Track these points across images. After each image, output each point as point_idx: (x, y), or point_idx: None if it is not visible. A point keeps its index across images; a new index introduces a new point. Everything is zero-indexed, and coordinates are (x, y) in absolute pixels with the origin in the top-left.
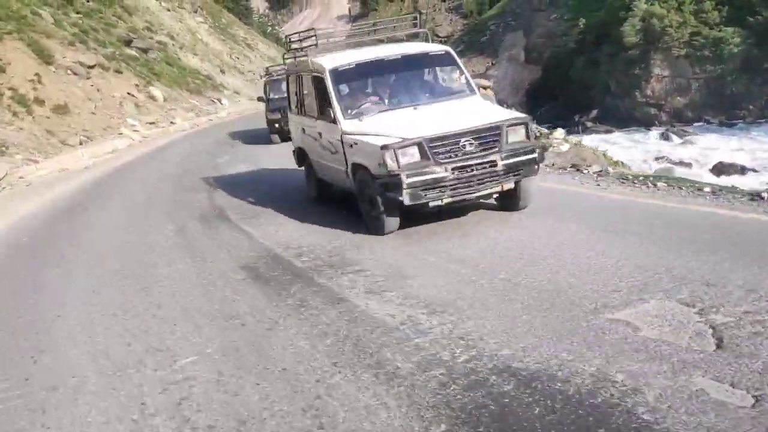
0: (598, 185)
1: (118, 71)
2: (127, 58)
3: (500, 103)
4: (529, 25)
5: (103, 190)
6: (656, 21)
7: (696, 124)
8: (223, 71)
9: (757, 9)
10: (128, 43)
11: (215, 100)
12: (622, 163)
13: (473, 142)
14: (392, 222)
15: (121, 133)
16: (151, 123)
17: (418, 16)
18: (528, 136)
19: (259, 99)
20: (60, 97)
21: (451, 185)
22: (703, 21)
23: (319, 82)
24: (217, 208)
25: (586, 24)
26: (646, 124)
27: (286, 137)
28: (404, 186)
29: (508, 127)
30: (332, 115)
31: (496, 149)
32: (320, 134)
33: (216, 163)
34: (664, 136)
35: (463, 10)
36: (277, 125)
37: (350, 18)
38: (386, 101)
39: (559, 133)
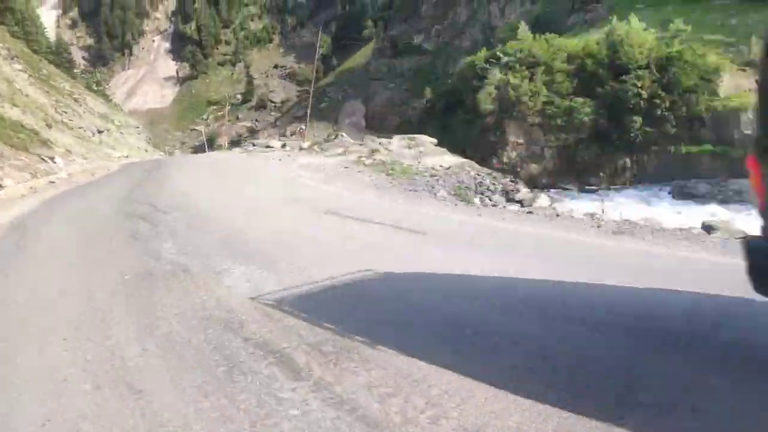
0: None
1: None
2: None
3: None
4: (367, 94)
5: None
6: (511, 90)
7: (552, 190)
8: (49, 126)
9: (605, 81)
10: None
11: (47, 159)
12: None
13: None
14: None
15: None
16: None
17: None
18: None
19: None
20: None
21: None
22: (555, 91)
23: None
24: None
25: (433, 92)
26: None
27: None
28: None
29: None
30: None
31: None
32: None
33: None
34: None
35: (298, 77)
36: None
37: (178, 80)
38: None
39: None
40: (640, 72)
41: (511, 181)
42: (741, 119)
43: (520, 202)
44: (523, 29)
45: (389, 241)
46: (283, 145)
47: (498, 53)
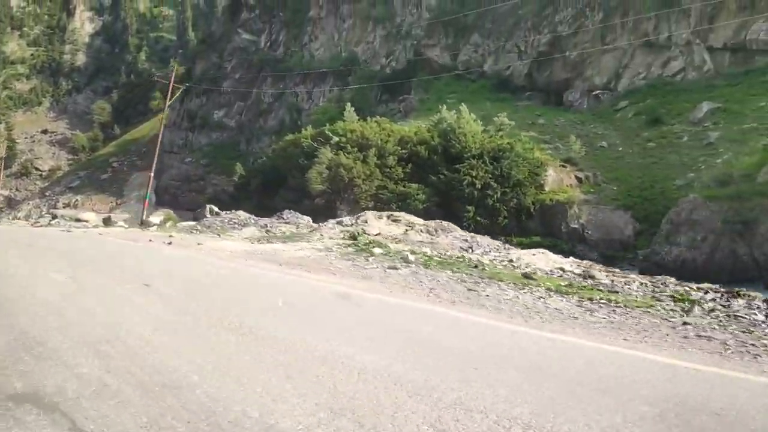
0: None
1: None
2: None
3: None
4: (159, 167)
5: None
6: (344, 171)
7: None
8: None
9: (439, 168)
10: None
11: None
12: None
13: None
14: None
15: None
16: None
17: None
18: None
19: None
20: None
21: None
22: (388, 176)
23: None
24: None
25: (245, 169)
26: None
27: None
28: None
29: None
30: None
31: None
32: None
33: None
34: None
35: (72, 144)
36: None
37: None
38: None
39: None
40: (474, 161)
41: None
42: (568, 213)
43: None
44: (350, 111)
45: None
46: (107, 220)
47: (327, 132)
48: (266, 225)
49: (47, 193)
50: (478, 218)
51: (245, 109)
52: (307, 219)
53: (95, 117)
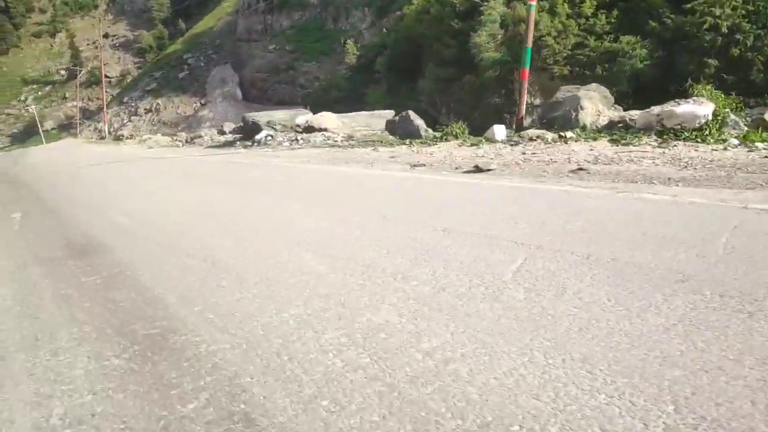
0: None
1: None
2: None
3: None
4: (238, 58)
5: None
6: (525, 27)
7: None
8: None
9: (662, 11)
10: None
11: None
12: None
13: None
14: None
15: None
16: None
17: None
18: None
19: None
20: None
21: None
22: (586, 29)
23: None
24: None
25: (359, 49)
26: None
27: None
28: None
29: None
30: None
31: None
32: None
33: None
34: None
35: (138, 44)
36: None
37: None
38: None
39: None
40: None
41: None
42: None
43: None
44: None
45: None
46: (397, 125)
47: None
48: None
49: (125, 100)
50: (723, 75)
51: None
52: None
53: (155, 14)
